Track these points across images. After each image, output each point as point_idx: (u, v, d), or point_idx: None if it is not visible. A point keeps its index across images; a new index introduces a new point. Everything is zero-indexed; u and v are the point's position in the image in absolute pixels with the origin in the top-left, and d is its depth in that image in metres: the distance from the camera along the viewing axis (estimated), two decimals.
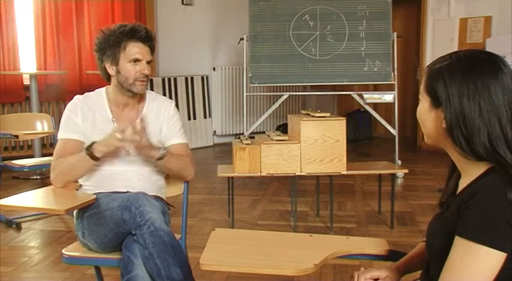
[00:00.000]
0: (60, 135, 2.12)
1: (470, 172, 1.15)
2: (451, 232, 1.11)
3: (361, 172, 3.75)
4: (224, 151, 6.70)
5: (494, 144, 1.10)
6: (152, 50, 2.15)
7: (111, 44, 2.09)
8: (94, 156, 1.98)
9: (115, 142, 1.94)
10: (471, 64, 1.13)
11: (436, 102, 1.16)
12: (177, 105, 2.32)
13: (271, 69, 4.96)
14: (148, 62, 2.12)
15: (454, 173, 1.25)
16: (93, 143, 1.99)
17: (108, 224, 1.89)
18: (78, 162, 2.02)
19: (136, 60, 2.08)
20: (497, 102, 1.10)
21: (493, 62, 1.13)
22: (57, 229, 3.62)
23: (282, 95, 5.18)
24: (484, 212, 1.06)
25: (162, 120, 2.21)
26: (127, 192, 2.06)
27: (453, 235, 1.10)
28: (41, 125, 4.11)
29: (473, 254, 1.06)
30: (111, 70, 2.12)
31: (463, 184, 1.18)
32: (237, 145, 3.47)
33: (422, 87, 1.21)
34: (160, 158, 2.04)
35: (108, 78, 2.18)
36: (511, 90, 1.11)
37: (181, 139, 2.23)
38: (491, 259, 1.05)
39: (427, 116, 1.20)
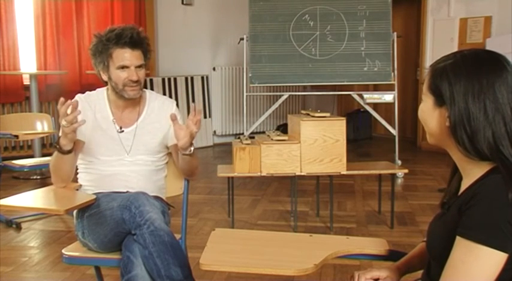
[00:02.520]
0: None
1: (472, 172, 1.15)
2: (452, 233, 1.11)
3: (361, 172, 3.75)
4: (224, 151, 6.69)
5: (498, 143, 1.09)
6: (144, 52, 2.11)
7: (100, 51, 2.08)
8: (62, 150, 1.97)
9: (65, 129, 1.89)
10: (476, 63, 1.13)
11: (439, 100, 1.16)
12: (177, 105, 2.31)
13: (271, 69, 4.96)
14: (139, 67, 2.08)
15: (456, 173, 1.25)
16: (58, 138, 1.98)
17: (108, 224, 1.89)
18: (56, 160, 2.02)
19: (124, 67, 2.06)
20: (502, 101, 1.10)
21: (498, 61, 1.13)
22: (57, 229, 3.62)
23: (282, 95, 5.18)
24: (486, 212, 1.06)
25: (165, 120, 2.20)
26: (127, 192, 2.06)
27: (454, 235, 1.10)
28: (41, 125, 4.11)
29: (475, 254, 1.06)
30: (104, 76, 2.12)
31: (464, 184, 1.18)
32: (237, 145, 3.47)
33: (425, 86, 1.21)
34: (190, 154, 2.04)
35: (105, 81, 2.18)
36: None
37: None
38: (492, 259, 1.05)
39: (430, 115, 1.19)
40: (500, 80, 1.10)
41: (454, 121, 1.12)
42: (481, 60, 1.13)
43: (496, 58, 1.14)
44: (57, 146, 1.97)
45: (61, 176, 2.07)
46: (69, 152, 1.98)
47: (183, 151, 2.03)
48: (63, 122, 1.87)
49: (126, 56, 2.05)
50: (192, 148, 2.03)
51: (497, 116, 1.09)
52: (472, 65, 1.12)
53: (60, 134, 1.96)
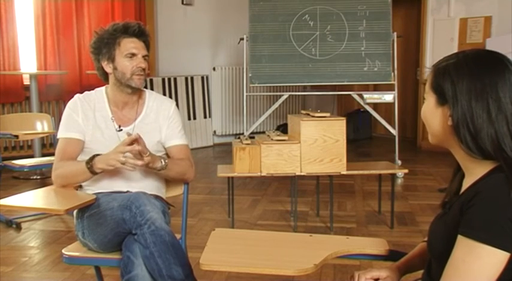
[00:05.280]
0: (61, 134, 2.12)
1: (474, 171, 1.15)
2: (454, 232, 1.11)
3: (361, 172, 3.75)
4: (224, 151, 6.70)
5: (501, 141, 1.10)
6: (147, 45, 2.17)
7: (105, 42, 2.11)
8: (93, 171, 1.97)
9: (116, 163, 1.92)
10: (478, 62, 1.13)
11: (442, 99, 1.16)
12: (177, 105, 2.32)
13: (271, 69, 4.96)
14: (144, 57, 2.13)
15: (458, 173, 1.25)
16: (94, 156, 1.98)
17: (108, 224, 1.89)
18: (78, 172, 2.01)
19: (132, 55, 2.10)
20: (504, 100, 1.10)
21: (499, 61, 1.13)
22: (57, 229, 3.62)
23: (282, 95, 5.18)
24: (487, 211, 1.05)
25: (162, 120, 2.21)
26: (127, 192, 2.06)
27: (455, 234, 1.10)
28: (41, 125, 4.11)
29: (476, 253, 1.05)
30: (108, 68, 2.13)
31: (466, 183, 1.18)
32: (237, 145, 3.47)
33: (428, 86, 1.21)
34: (162, 169, 2.04)
35: (105, 78, 2.19)
36: None
37: (181, 140, 2.23)
38: (494, 258, 1.05)
39: (433, 114, 1.19)
40: (503, 80, 1.11)
41: (457, 120, 1.13)
42: (483, 60, 1.14)
43: (498, 58, 1.14)
44: (90, 164, 1.96)
45: (70, 183, 2.08)
46: (97, 173, 1.99)
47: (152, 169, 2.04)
48: (122, 158, 1.88)
49: (134, 44, 2.11)
50: (159, 165, 2.02)
51: (500, 115, 1.10)
52: (475, 65, 1.13)
53: (102, 160, 1.95)
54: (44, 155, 5.00)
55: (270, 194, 4.58)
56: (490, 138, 1.10)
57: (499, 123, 1.10)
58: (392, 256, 1.52)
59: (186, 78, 6.81)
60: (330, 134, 3.40)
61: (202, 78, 6.96)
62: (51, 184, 2.11)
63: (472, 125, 1.11)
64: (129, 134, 1.98)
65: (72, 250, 2.01)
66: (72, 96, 2.20)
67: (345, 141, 3.44)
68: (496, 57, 1.14)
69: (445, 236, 1.15)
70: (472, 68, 1.12)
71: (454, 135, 1.15)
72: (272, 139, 3.50)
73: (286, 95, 5.16)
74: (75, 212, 2.08)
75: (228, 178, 3.70)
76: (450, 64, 1.16)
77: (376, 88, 6.56)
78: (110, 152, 1.96)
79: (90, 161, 1.97)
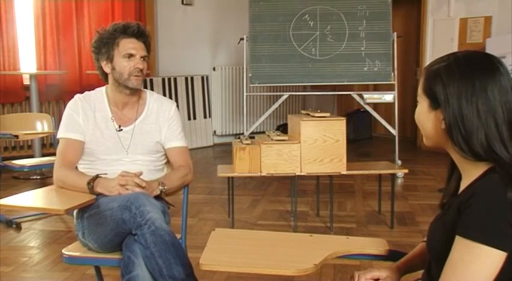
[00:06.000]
0: (61, 134, 2.13)
1: (471, 172, 1.16)
2: (452, 232, 1.11)
3: (361, 172, 3.75)
4: (224, 151, 6.70)
5: (491, 144, 1.10)
6: (147, 46, 2.17)
7: (105, 42, 2.12)
8: (93, 192, 1.98)
9: (115, 191, 1.94)
10: (469, 65, 1.13)
11: (434, 103, 1.16)
12: (177, 105, 2.32)
13: (271, 69, 4.96)
14: (143, 58, 2.13)
15: (454, 174, 1.26)
16: (97, 176, 1.99)
17: (108, 224, 1.89)
18: (78, 186, 2.01)
19: (130, 56, 2.10)
20: (493, 102, 1.10)
21: (490, 62, 1.14)
22: (57, 229, 3.62)
23: (282, 95, 5.18)
24: (484, 211, 1.06)
25: (162, 121, 2.21)
26: None
27: (454, 235, 1.10)
28: (41, 125, 4.11)
29: (474, 253, 1.06)
30: (107, 68, 2.14)
31: (463, 184, 1.18)
32: (237, 144, 3.47)
33: (420, 89, 1.21)
34: (162, 192, 2.06)
35: (106, 78, 2.19)
36: (508, 91, 1.12)
37: (181, 142, 2.24)
38: (492, 258, 1.05)
39: (426, 118, 1.20)
40: (493, 82, 1.11)
41: (449, 123, 1.13)
42: (474, 62, 1.14)
43: (489, 60, 1.14)
44: (91, 187, 1.97)
45: (70, 189, 2.08)
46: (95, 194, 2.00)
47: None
48: (123, 190, 1.93)
49: (133, 45, 2.11)
50: (158, 192, 2.04)
51: (489, 117, 1.10)
52: (465, 67, 1.13)
53: (103, 185, 1.97)
54: (44, 155, 5.00)
55: (270, 194, 4.58)
56: (480, 141, 1.10)
57: (489, 126, 1.10)
58: (392, 256, 1.52)
59: (186, 78, 6.81)
60: (330, 134, 3.40)
61: (202, 78, 6.96)
62: (51, 184, 2.11)
63: (463, 128, 1.11)
64: (139, 173, 2.01)
65: (72, 250, 2.01)
66: (72, 96, 2.21)
67: (345, 141, 3.44)
68: (487, 59, 1.14)
69: (444, 236, 1.15)
70: (463, 70, 1.13)
71: (448, 138, 1.15)
72: (272, 139, 3.50)
73: (286, 95, 5.16)
74: (75, 212, 2.08)
75: (228, 178, 3.70)
76: (441, 67, 1.16)
77: (376, 88, 6.56)
78: (113, 179, 1.97)
79: (91, 182, 1.97)
